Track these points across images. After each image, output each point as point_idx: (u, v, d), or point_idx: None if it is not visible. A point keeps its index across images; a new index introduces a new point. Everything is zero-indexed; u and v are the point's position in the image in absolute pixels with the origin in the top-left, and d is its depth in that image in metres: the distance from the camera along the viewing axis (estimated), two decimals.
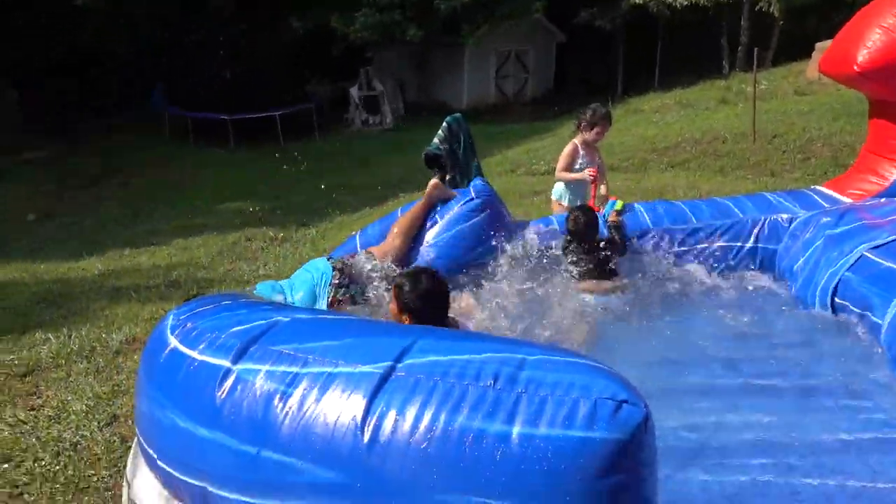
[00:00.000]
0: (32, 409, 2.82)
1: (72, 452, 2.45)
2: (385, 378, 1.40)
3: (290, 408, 1.43)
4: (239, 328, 1.66)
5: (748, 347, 2.75)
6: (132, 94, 17.22)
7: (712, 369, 2.60)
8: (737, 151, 8.47)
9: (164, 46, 15.34)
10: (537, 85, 19.17)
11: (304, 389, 1.44)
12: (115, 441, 2.51)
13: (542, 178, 8.26)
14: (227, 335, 1.63)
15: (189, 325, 1.75)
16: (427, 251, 3.25)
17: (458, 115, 4.34)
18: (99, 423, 2.63)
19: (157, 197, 10.60)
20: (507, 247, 3.24)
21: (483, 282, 3.05)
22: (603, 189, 4.33)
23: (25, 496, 2.23)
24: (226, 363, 1.55)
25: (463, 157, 4.17)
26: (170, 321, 1.82)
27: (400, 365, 1.42)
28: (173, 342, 1.72)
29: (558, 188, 4.48)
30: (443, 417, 1.30)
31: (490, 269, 3.15)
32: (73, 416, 2.71)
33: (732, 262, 3.50)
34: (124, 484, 1.93)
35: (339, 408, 1.39)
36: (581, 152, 4.20)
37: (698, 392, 2.42)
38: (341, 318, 1.93)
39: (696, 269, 3.44)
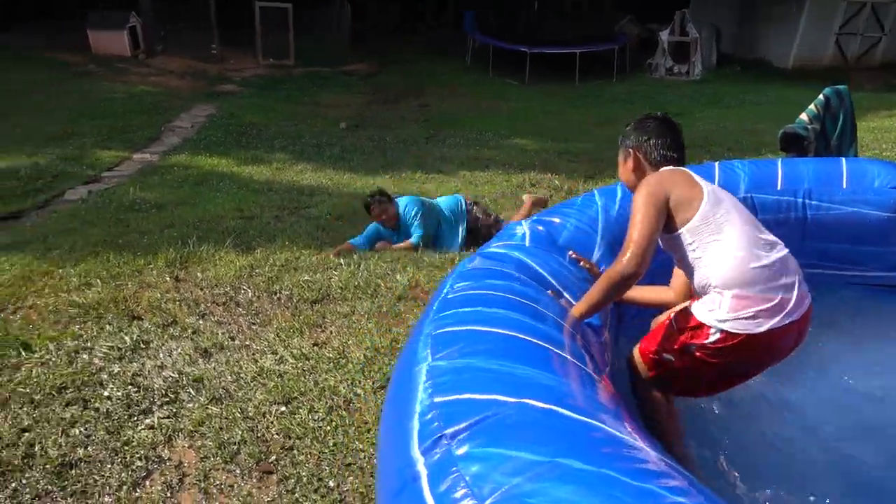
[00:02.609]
0: (316, 345, 2.78)
1: (344, 412, 2.31)
2: None
3: None
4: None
5: None
6: (445, 18, 17.85)
7: None
8: None
9: None
10: (893, 47, 15.60)
11: None
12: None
13: None
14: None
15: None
16: None
17: (841, 86, 3.34)
18: (373, 383, 2.46)
19: (451, 122, 10.80)
20: None
21: None
22: None
23: (295, 452, 2.12)
24: None
25: (837, 140, 3.20)
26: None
27: None
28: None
29: None
30: None
31: None
32: (350, 366, 2.58)
33: None
34: None
35: None
36: None
37: None
38: None
39: None
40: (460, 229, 4.58)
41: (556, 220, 2.55)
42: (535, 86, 13.76)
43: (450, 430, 1.15)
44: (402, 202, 4.48)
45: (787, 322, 1.75)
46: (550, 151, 8.56)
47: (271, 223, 4.79)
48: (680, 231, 1.87)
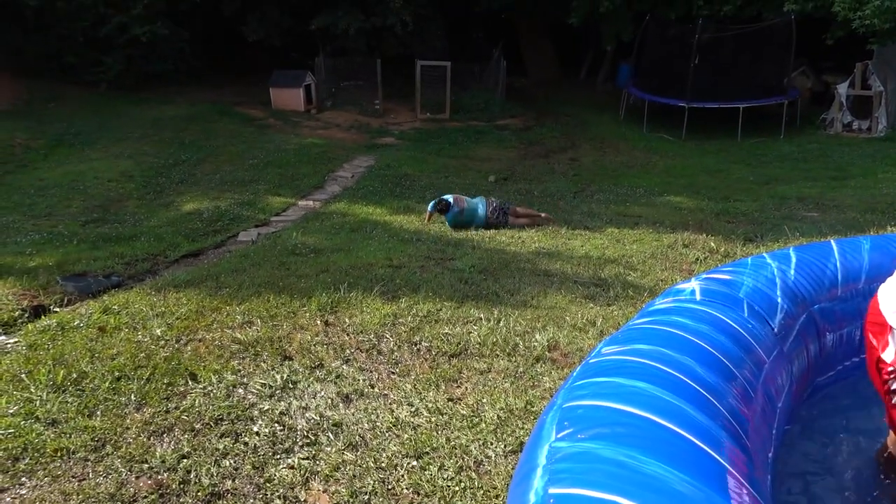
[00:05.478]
0: (451, 400, 2.79)
1: (474, 474, 2.28)
2: None
3: None
4: None
5: None
6: (601, 73, 17.85)
7: None
8: None
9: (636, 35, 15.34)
10: None
11: None
12: None
13: None
14: None
15: None
16: None
17: None
18: (505, 447, 2.42)
19: (601, 177, 10.65)
20: None
21: None
22: None
23: None
24: None
25: None
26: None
27: None
28: None
29: None
30: None
31: None
32: (483, 426, 2.56)
33: None
34: None
35: None
36: None
37: None
38: None
39: None
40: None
41: (728, 277, 2.27)
42: (692, 142, 13.25)
43: None
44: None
45: None
46: (706, 211, 8.12)
47: (417, 273, 4.95)
48: None
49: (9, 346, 3.38)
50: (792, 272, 2.16)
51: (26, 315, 4.08)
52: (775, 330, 1.75)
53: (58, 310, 4.24)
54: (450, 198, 7.20)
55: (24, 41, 14.53)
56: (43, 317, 3.98)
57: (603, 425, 1.26)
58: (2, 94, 13.91)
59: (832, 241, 2.45)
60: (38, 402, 2.71)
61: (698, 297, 1.92)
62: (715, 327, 1.72)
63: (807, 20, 13.40)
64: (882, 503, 1.75)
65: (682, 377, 1.43)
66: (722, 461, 1.17)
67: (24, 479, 2.27)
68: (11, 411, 2.64)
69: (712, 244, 6.37)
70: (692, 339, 1.63)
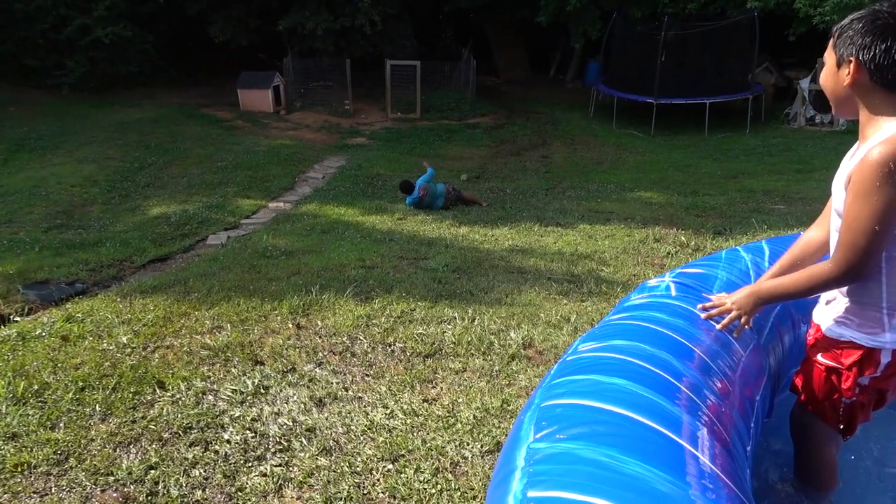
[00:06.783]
0: (426, 401, 2.75)
1: (450, 475, 2.25)
2: None
3: None
4: None
5: None
6: (570, 71, 17.95)
7: None
8: None
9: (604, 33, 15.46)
10: None
11: None
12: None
13: None
14: None
15: None
16: None
17: None
18: (482, 447, 2.39)
19: (572, 174, 10.70)
20: None
21: None
22: None
23: None
24: None
25: None
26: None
27: None
28: None
29: None
30: None
31: None
32: (459, 426, 2.53)
33: None
34: None
35: None
36: None
37: None
38: None
39: None
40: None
41: (702, 271, 2.25)
42: (661, 138, 13.40)
43: None
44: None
45: None
46: (676, 205, 8.21)
47: (390, 273, 4.90)
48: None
49: None
50: (766, 264, 2.17)
51: None
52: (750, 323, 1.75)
53: (18, 319, 4.10)
54: (419, 183, 8.30)
55: None
56: (2, 327, 3.84)
57: (581, 424, 1.23)
58: None
59: (802, 233, 2.46)
60: None
61: (673, 292, 1.91)
62: (691, 322, 1.70)
63: (769, 17, 13.65)
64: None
65: (659, 372, 1.41)
66: (703, 457, 1.16)
67: None
68: None
69: (683, 238, 6.43)
70: (669, 334, 1.61)
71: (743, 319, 1.78)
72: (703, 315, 1.80)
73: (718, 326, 1.77)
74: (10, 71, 14.61)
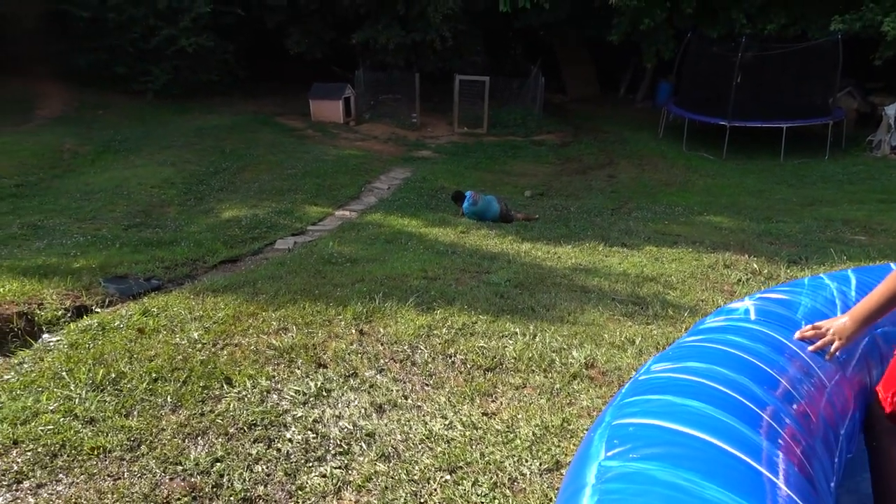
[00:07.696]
0: (485, 414, 2.74)
1: (508, 491, 2.22)
2: None
3: None
4: None
5: None
6: (638, 87, 17.69)
7: None
8: None
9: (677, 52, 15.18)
10: None
11: None
12: (551, 496, 2.19)
13: None
14: None
15: None
16: None
17: None
18: (540, 464, 2.36)
19: (639, 195, 10.51)
20: None
21: None
22: None
23: None
24: None
25: None
26: None
27: None
28: None
29: None
30: None
31: None
32: (518, 442, 2.50)
33: None
34: None
35: None
36: None
37: None
38: None
39: None
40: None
41: (784, 297, 2.15)
42: (733, 161, 13.01)
43: None
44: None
45: None
46: (748, 231, 7.93)
47: (452, 285, 4.91)
48: None
49: (51, 344, 3.44)
50: (853, 293, 2.06)
51: (69, 315, 4.15)
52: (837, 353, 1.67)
53: (99, 310, 4.31)
54: (469, 193, 8.74)
55: (75, 52, 15.03)
56: (85, 317, 4.05)
57: (656, 445, 1.19)
58: (53, 102, 14.39)
59: (893, 265, 2.33)
60: (77, 401, 2.74)
61: (753, 316, 1.84)
62: (772, 347, 1.63)
63: (854, 39, 13.10)
64: None
65: (737, 397, 1.36)
66: (784, 488, 1.10)
67: (61, 475, 2.29)
68: (52, 408, 2.68)
69: (755, 265, 6.20)
70: (748, 359, 1.55)
71: (836, 343, 1.72)
72: (796, 335, 1.75)
73: (811, 348, 1.72)
74: (101, 77, 15.48)
